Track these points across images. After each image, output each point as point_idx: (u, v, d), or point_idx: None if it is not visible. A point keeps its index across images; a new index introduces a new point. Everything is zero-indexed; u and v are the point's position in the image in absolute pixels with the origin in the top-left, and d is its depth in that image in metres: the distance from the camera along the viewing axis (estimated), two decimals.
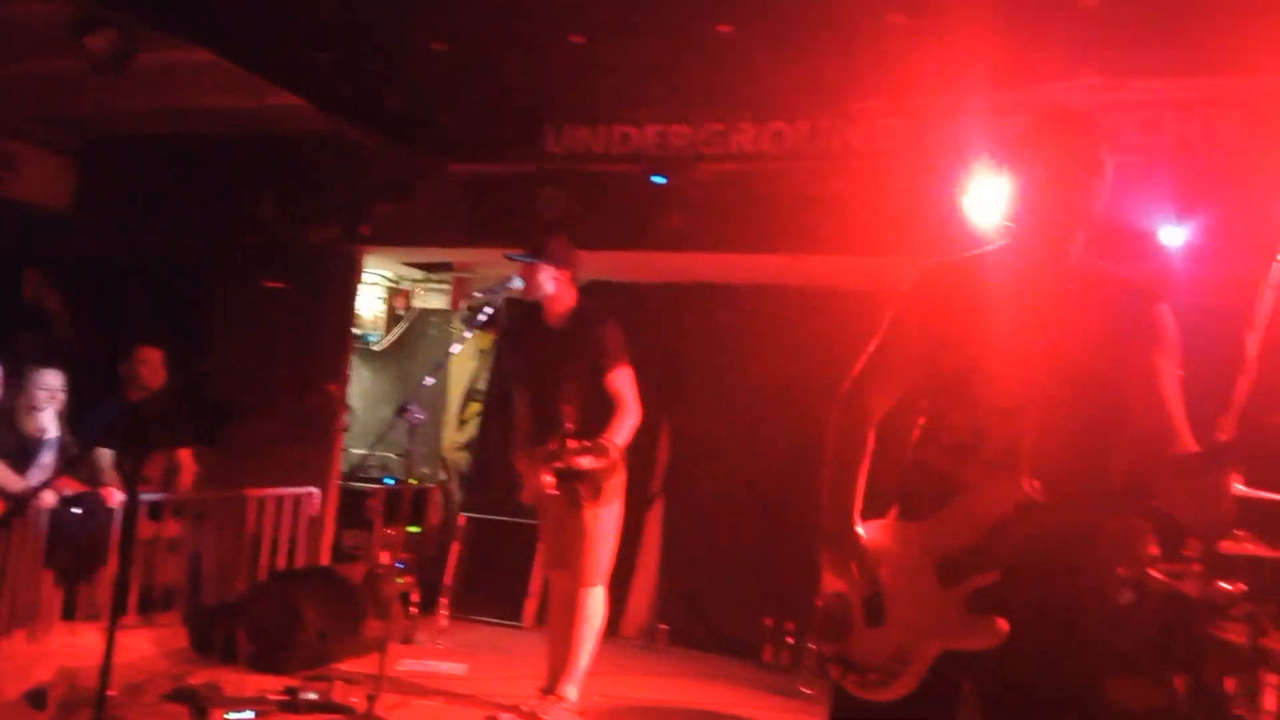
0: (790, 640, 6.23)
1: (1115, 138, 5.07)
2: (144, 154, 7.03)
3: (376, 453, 6.76)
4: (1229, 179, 4.91)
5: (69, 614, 5.08)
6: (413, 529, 7.11)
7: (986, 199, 5.27)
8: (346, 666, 5.29)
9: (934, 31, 4.40)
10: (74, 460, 5.40)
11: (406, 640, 6.09)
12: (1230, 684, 3.76)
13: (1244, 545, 3.86)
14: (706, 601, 6.58)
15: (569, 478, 4.40)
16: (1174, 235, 5.06)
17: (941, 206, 5.33)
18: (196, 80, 6.12)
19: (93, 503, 5.20)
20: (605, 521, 4.52)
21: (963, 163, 5.23)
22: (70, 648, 4.92)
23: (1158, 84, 4.99)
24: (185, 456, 5.92)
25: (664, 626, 6.47)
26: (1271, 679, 3.73)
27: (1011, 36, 4.35)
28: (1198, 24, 4.27)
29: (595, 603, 4.60)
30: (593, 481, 4.44)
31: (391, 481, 7.21)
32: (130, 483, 5.34)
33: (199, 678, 4.79)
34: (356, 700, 4.55)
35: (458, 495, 7.82)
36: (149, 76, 5.73)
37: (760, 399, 6.58)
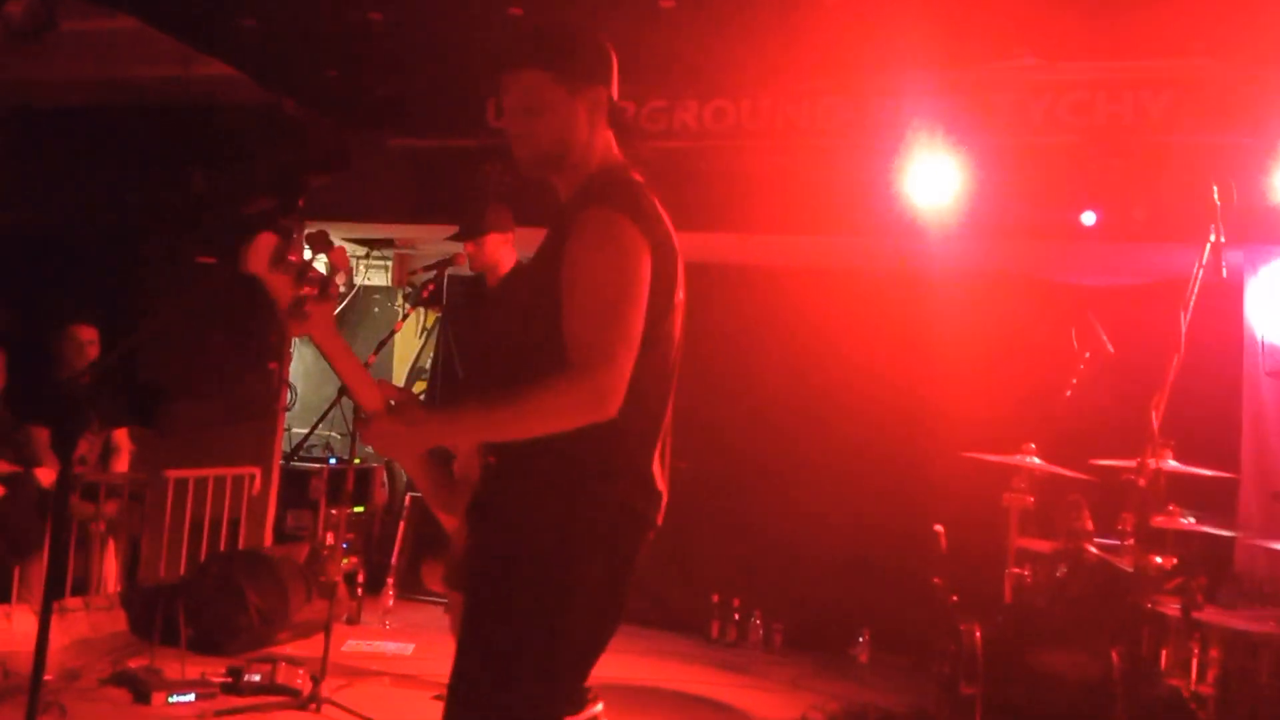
0: (736, 616, 6.31)
1: (1050, 119, 5.19)
2: (70, 125, 6.81)
3: (319, 432, 6.66)
4: (1160, 160, 5.00)
5: (2, 597, 4.96)
6: (357, 509, 7.04)
7: (927, 177, 5.33)
8: (291, 648, 5.24)
9: (874, 11, 4.42)
10: (6, 439, 5.26)
11: (352, 621, 6.05)
12: (1163, 655, 3.87)
13: (1176, 520, 3.97)
14: (653, 578, 6.61)
15: None
16: (1108, 216, 5.16)
17: (883, 185, 5.37)
18: (123, 49, 5.95)
19: (24, 483, 5.07)
20: None
21: (903, 141, 5.28)
22: (3, 632, 4.81)
23: (1090, 66, 5.06)
24: (121, 436, 5.80)
25: None
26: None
27: (950, 16, 4.38)
28: (1129, 7, 4.33)
29: None
30: None
31: (335, 461, 7.13)
32: (64, 463, 5.22)
33: (138, 661, 4.71)
34: (301, 681, 4.50)
35: (403, 475, 7.75)
36: (73, 45, 5.56)
37: (703, 377, 6.59)
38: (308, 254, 1.93)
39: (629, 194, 2.03)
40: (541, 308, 1.99)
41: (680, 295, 2.10)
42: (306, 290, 1.85)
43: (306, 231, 1.87)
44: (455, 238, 4.46)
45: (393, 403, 1.96)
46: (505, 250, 4.44)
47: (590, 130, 2.10)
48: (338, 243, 1.88)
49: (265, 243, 1.83)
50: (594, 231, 1.96)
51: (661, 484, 2.12)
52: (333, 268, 1.91)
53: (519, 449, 1.98)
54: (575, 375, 1.89)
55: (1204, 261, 3.51)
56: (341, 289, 8.28)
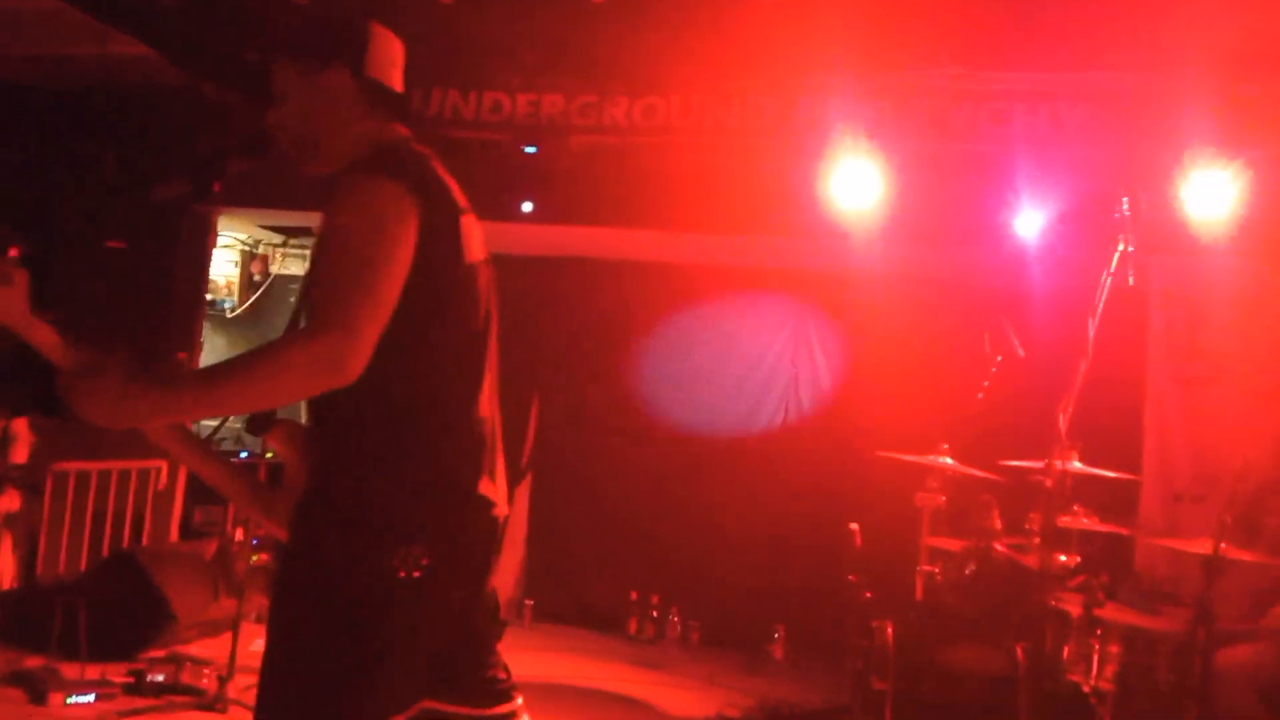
0: (655, 613, 6.32)
1: (970, 126, 5.31)
2: None
3: (230, 424, 6.49)
4: (1074, 170, 5.15)
5: None
6: None
7: (850, 179, 5.40)
8: (197, 648, 5.09)
9: (804, 12, 4.47)
10: None
11: (261, 619, 5.90)
12: (1066, 651, 3.98)
13: (1079, 520, 4.08)
14: (572, 576, 6.60)
15: None
16: (1021, 224, 5.29)
17: (807, 187, 5.44)
18: (39, 25, 5.73)
19: None
20: None
21: (828, 143, 5.34)
22: None
23: (1009, 76, 5.19)
24: (20, 426, 5.57)
25: (530, 601, 6.46)
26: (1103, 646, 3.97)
27: (878, 21, 4.45)
28: (1049, 20, 4.45)
29: None
30: None
31: (246, 455, 6.95)
32: None
33: (35, 661, 4.53)
34: (207, 682, 4.39)
35: None
36: None
37: (627, 372, 6.61)
38: None
39: (395, 158, 1.95)
40: (309, 284, 1.94)
41: (471, 259, 1.99)
42: None
43: None
44: None
45: (97, 366, 1.80)
46: None
47: (342, 114, 2.04)
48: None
49: None
50: (344, 196, 1.88)
51: (488, 456, 1.98)
52: None
53: (331, 444, 1.91)
54: (305, 335, 1.79)
55: (1113, 269, 3.62)
56: (257, 278, 8.05)
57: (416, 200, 1.87)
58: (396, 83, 2.12)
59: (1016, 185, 5.29)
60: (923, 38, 4.75)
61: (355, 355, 1.76)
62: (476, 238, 2.02)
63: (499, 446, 2.03)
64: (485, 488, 1.95)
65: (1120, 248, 3.60)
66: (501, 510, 2.00)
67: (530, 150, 5.74)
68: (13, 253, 1.85)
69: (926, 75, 5.12)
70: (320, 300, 1.83)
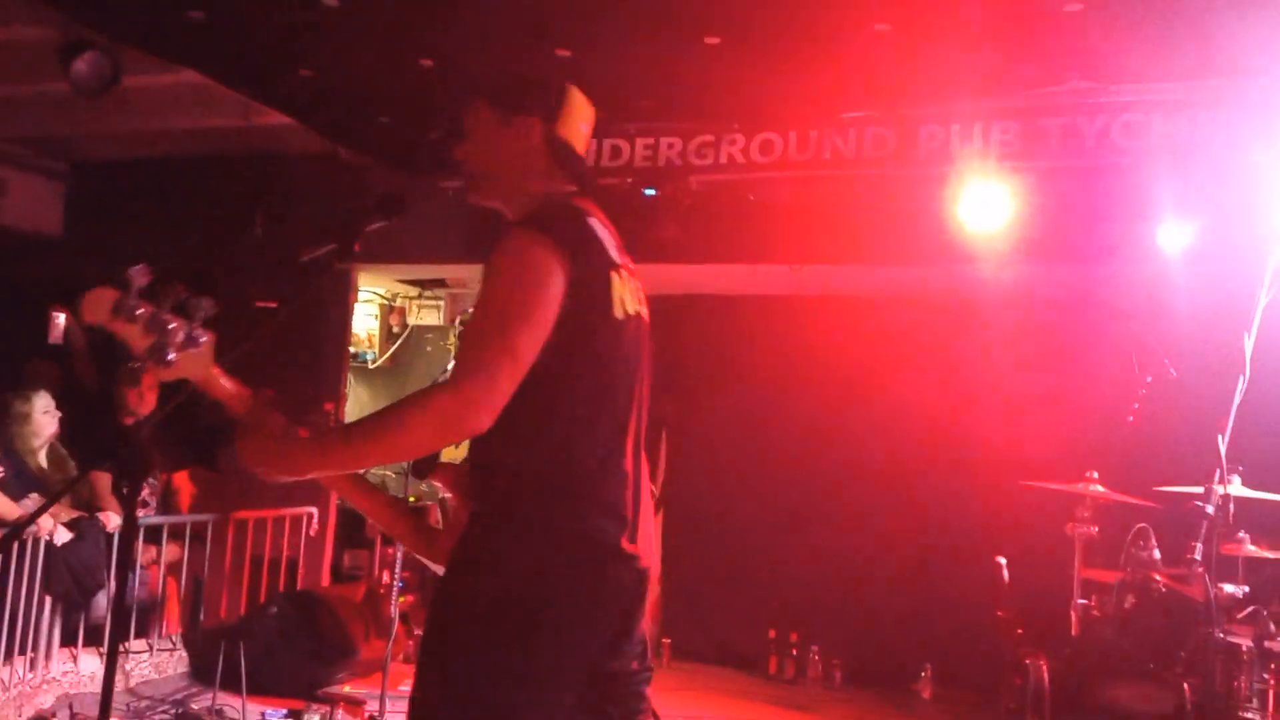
0: (794, 651, 6.22)
1: (1102, 140, 5.13)
2: (133, 176, 7.02)
3: (374, 470, 6.72)
4: (1218, 180, 4.91)
5: (69, 640, 5.05)
6: None
7: (979, 202, 5.28)
8: (350, 687, 5.26)
9: (920, 40, 4.41)
10: (71, 485, 5.37)
11: (409, 660, 6.06)
12: (1237, 687, 3.74)
13: (1245, 547, 3.86)
14: (710, 614, 6.56)
15: None
16: (1166, 238, 5.07)
17: (932, 214, 5.34)
18: (184, 101, 6.13)
19: (89, 527, 5.17)
20: None
21: (953, 168, 5.24)
22: (70, 674, 4.90)
23: (1142, 87, 5.00)
24: (182, 479, 5.90)
25: (667, 640, 6.45)
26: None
27: (997, 43, 4.36)
28: (1178, 27, 4.28)
29: None
30: None
31: None
32: (127, 506, 5.31)
33: (201, 702, 4.76)
34: None
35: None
36: (136, 98, 5.74)
37: (759, 407, 6.58)
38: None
39: (553, 216, 2.03)
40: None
41: (621, 314, 2.02)
42: (158, 338, 1.86)
43: (142, 284, 1.91)
44: None
45: (267, 425, 1.94)
46: None
47: (521, 159, 2.15)
48: (192, 296, 1.95)
49: (99, 296, 1.87)
50: (501, 253, 1.96)
51: (631, 510, 2.01)
52: (194, 315, 1.93)
53: (480, 494, 1.97)
54: (442, 386, 1.87)
55: (1268, 283, 3.43)
56: (395, 329, 8.32)
57: (565, 257, 1.94)
58: (580, 145, 2.22)
59: (1157, 197, 5.08)
60: (1044, 55, 4.62)
61: (486, 406, 1.83)
62: (628, 292, 2.07)
63: (643, 498, 2.06)
64: (628, 543, 1.98)
65: (1273, 261, 3.41)
66: (646, 562, 2.02)
67: (650, 193, 5.81)
68: (207, 305, 1.99)
69: (1051, 94, 4.98)
70: (462, 355, 1.92)
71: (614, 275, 2.04)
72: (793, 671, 6.21)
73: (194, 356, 1.92)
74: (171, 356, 1.88)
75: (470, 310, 2.10)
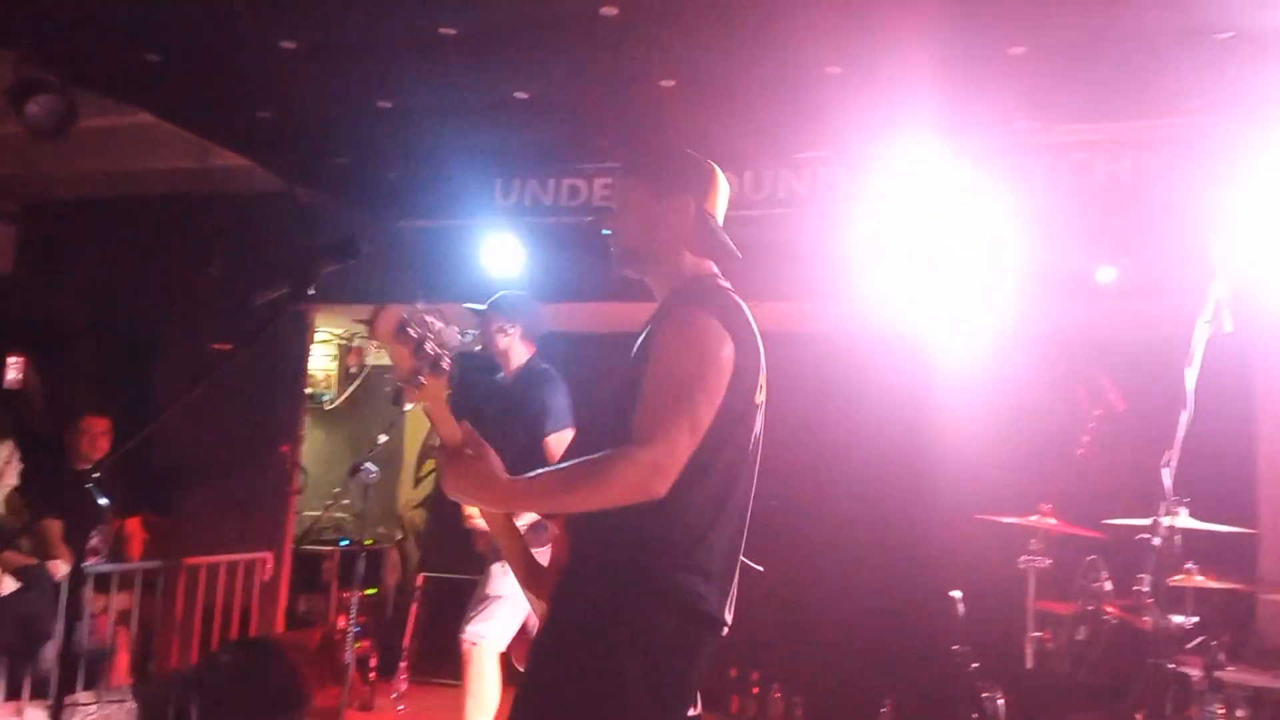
0: (756, 690, 6.20)
1: (1050, 180, 5.26)
2: (86, 217, 6.96)
3: (330, 514, 6.66)
4: (1161, 217, 5.05)
5: (14, 694, 4.92)
6: (369, 591, 6.99)
7: (931, 245, 5.38)
8: None
9: (870, 82, 4.51)
10: (18, 533, 5.26)
11: (365, 707, 5.97)
12: (1188, 716, 3.79)
13: (1193, 578, 3.92)
14: None
15: (478, 536, 4.32)
16: (1111, 273, 5.19)
17: (884, 253, 5.43)
18: (139, 142, 6.10)
19: (38, 576, 5.06)
20: (509, 583, 4.15)
21: (905, 210, 5.34)
22: None
23: (1086, 127, 5.14)
24: (134, 525, 5.80)
25: None
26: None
27: (945, 85, 4.47)
28: (1119, 70, 4.42)
29: (480, 663, 4.33)
30: (490, 542, 4.27)
31: (346, 543, 7.11)
32: (77, 554, 5.21)
33: None
34: None
35: (415, 554, 7.71)
36: (90, 140, 5.70)
37: None
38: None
39: (716, 297, 2.15)
40: (624, 400, 2.07)
41: (760, 398, 2.16)
42: (420, 363, 1.94)
43: (418, 309, 1.98)
44: (469, 307, 4.49)
45: (484, 457, 2.03)
46: (512, 341, 4.45)
47: (676, 234, 2.24)
48: (446, 323, 2.01)
49: (391, 314, 1.94)
50: (678, 325, 2.08)
51: (732, 584, 2.17)
52: (448, 344, 2.00)
53: (596, 543, 2.06)
54: (631, 448, 1.95)
55: (1208, 317, 3.52)
56: (353, 370, 8.24)
57: (732, 337, 2.07)
58: (720, 220, 2.32)
59: (1104, 236, 5.21)
60: (991, 97, 4.75)
61: (670, 472, 1.94)
62: (764, 376, 2.19)
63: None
64: (725, 614, 2.13)
65: (1213, 295, 3.50)
66: (729, 627, 2.15)
67: (608, 233, 5.85)
68: (456, 336, 2.06)
69: (999, 133, 5.10)
70: (644, 420, 1.99)
71: (762, 361, 2.16)
72: (754, 710, 6.19)
73: (437, 384, 1.97)
74: (424, 380, 1.95)
75: (630, 379, 2.13)
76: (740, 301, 2.19)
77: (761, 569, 2.74)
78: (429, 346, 1.94)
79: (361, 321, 7.92)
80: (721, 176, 2.32)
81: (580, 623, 2.04)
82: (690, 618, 2.04)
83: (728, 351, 2.04)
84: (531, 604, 2.28)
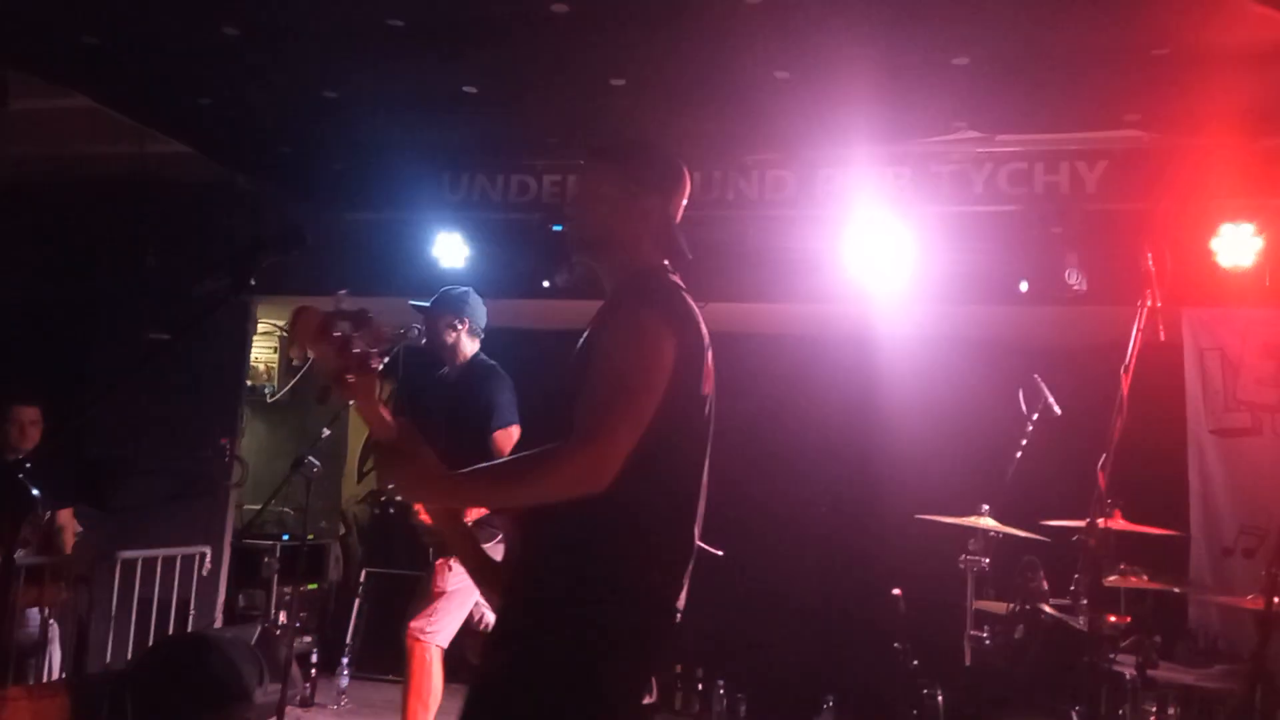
0: (700, 686, 6.23)
1: (989, 187, 5.36)
2: (20, 202, 6.77)
3: (272, 508, 6.55)
4: (1099, 227, 5.16)
5: None
6: (311, 586, 6.90)
7: (874, 245, 5.44)
8: None
9: (817, 87, 4.55)
10: None
11: (306, 703, 5.89)
12: (1121, 713, 3.88)
13: (1127, 578, 4.01)
14: None
15: (423, 531, 4.29)
16: (1049, 280, 5.28)
17: (831, 253, 5.48)
18: (75, 127, 5.95)
19: None
20: (454, 579, 4.22)
21: (850, 211, 5.40)
22: None
23: (1026, 138, 5.24)
24: (66, 517, 5.66)
25: None
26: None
27: (891, 92, 4.52)
28: (1060, 83, 4.51)
29: (424, 658, 4.28)
30: (436, 537, 4.21)
31: (288, 538, 7.00)
32: (5, 547, 5.07)
33: None
34: None
35: (358, 550, 7.62)
36: (23, 123, 5.55)
37: None
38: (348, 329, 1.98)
39: (663, 291, 2.15)
40: (569, 395, 2.06)
41: (707, 389, 2.16)
42: (346, 362, 1.92)
43: (342, 307, 1.95)
44: (413, 304, 4.44)
45: (421, 453, 2.03)
46: (458, 336, 4.42)
47: (636, 230, 2.23)
48: (373, 318, 1.97)
49: (310, 316, 1.93)
50: (622, 322, 2.07)
51: (685, 572, 2.17)
52: (375, 342, 1.98)
53: (548, 536, 2.04)
54: (571, 444, 1.94)
55: (1141, 324, 3.60)
56: (295, 363, 8.10)
57: (675, 332, 2.06)
58: (678, 220, 2.32)
59: (1042, 244, 5.30)
60: (935, 106, 4.81)
61: (610, 467, 1.94)
62: (710, 370, 2.18)
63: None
64: (681, 600, 2.13)
65: (1148, 303, 3.58)
66: (681, 613, 2.15)
67: (558, 229, 5.84)
68: (385, 332, 1.99)
69: (941, 141, 5.18)
70: (585, 416, 1.97)
71: (708, 354, 2.16)
72: (699, 706, 6.22)
73: (367, 381, 1.95)
74: (351, 380, 1.92)
75: (574, 368, 2.13)
76: (687, 296, 2.19)
77: (720, 553, 2.76)
78: (355, 345, 1.92)
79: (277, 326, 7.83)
80: (687, 178, 2.33)
81: (535, 615, 2.04)
82: (644, 607, 2.05)
83: (670, 346, 2.04)
84: (486, 597, 2.28)
